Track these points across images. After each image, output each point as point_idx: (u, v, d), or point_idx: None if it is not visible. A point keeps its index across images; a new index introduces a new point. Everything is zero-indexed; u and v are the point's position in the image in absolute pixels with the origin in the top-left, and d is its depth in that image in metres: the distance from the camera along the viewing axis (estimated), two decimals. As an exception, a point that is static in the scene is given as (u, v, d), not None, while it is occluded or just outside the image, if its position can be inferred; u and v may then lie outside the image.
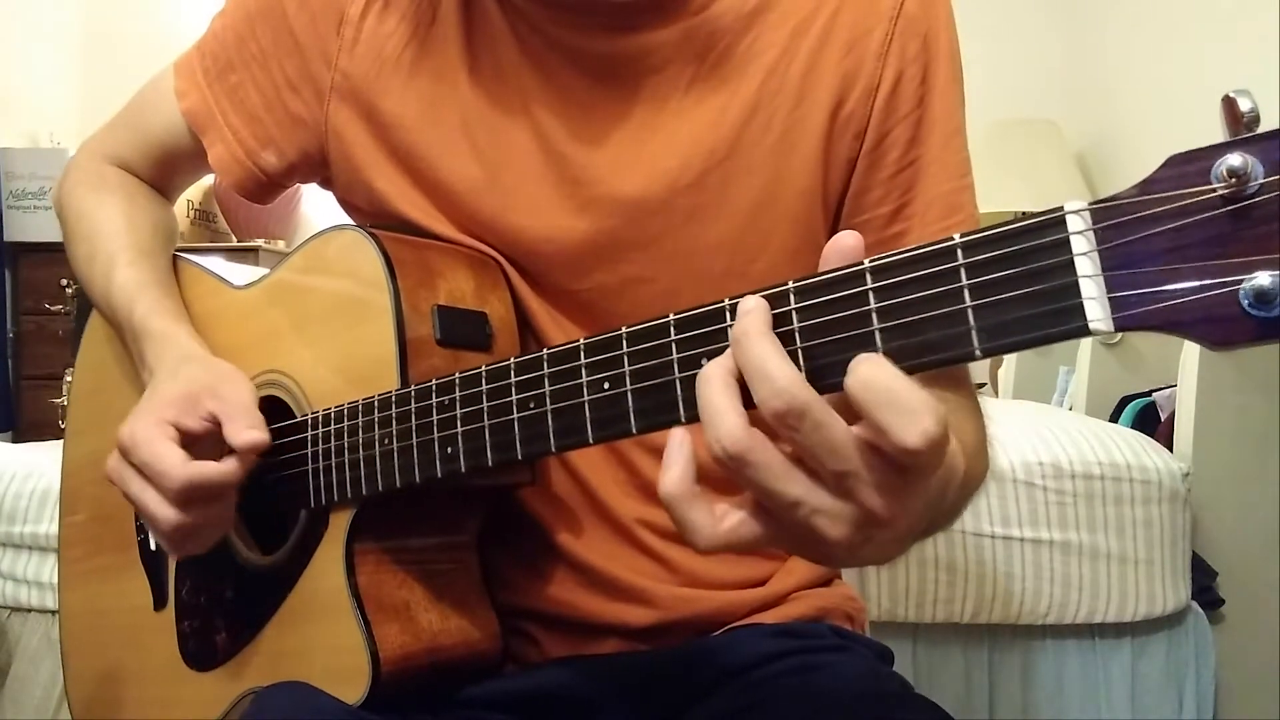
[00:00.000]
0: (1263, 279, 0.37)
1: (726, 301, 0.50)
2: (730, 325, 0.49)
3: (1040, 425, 1.56)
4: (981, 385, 2.41)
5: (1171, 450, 1.59)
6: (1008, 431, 1.53)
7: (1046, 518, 1.47)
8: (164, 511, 0.68)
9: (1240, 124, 0.38)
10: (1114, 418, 2.06)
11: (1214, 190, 0.38)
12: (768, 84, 0.72)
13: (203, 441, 0.70)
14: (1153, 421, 1.96)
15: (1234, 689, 1.55)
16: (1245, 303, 0.37)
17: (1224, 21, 2.38)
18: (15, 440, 2.86)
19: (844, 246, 0.47)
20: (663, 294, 0.73)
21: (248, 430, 0.69)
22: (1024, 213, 2.73)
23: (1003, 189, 2.81)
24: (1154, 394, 2.02)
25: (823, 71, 0.72)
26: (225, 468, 0.69)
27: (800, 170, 0.72)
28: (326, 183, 0.84)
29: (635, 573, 0.75)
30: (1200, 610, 1.53)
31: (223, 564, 0.78)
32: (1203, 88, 2.43)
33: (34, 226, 2.95)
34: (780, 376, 0.43)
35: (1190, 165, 0.39)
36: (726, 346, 0.49)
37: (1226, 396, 1.58)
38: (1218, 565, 1.58)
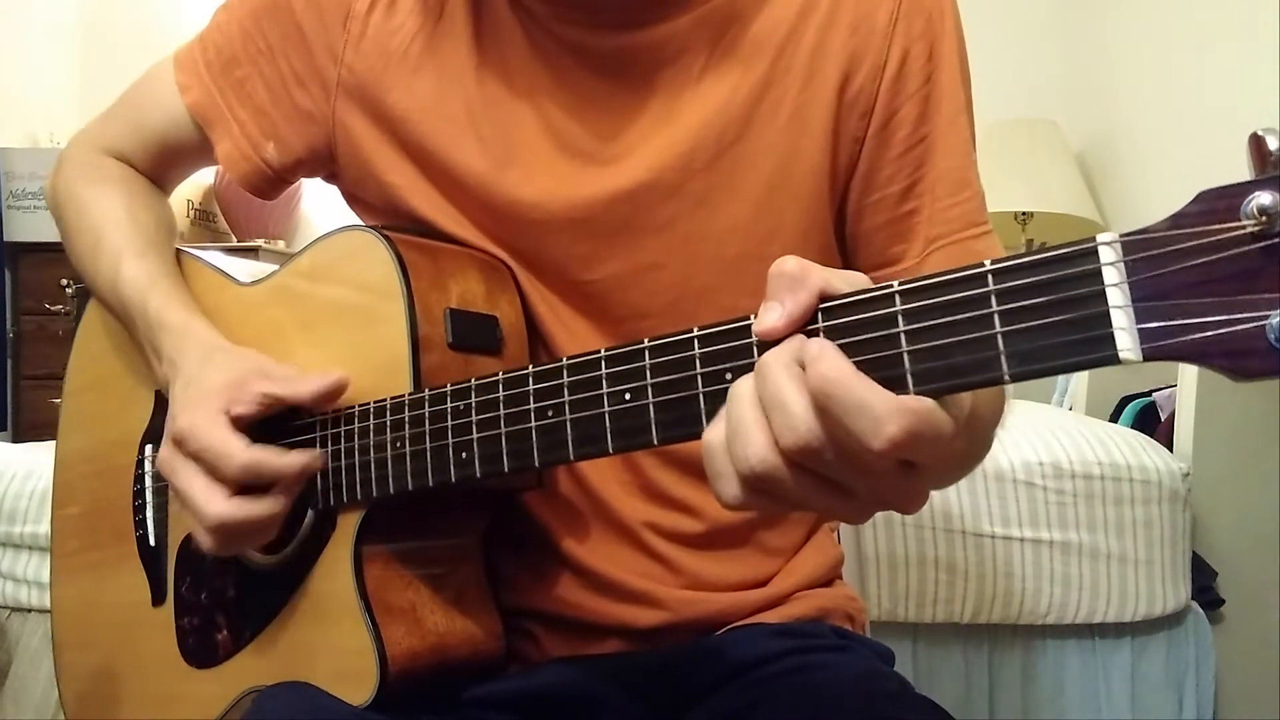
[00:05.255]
0: None
1: (753, 318, 0.50)
2: (756, 341, 0.50)
3: (1040, 425, 1.56)
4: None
5: (1171, 450, 1.59)
6: (1008, 431, 1.53)
7: (1046, 518, 1.47)
8: (211, 505, 0.67)
9: (1268, 162, 0.39)
10: (1114, 418, 2.06)
11: (1244, 227, 0.39)
12: (777, 65, 0.72)
13: (251, 425, 0.70)
14: (1153, 421, 1.96)
15: (1234, 689, 1.55)
16: (1272, 337, 0.38)
17: (1224, 21, 2.38)
18: (15, 440, 2.86)
19: (786, 272, 0.48)
20: (675, 281, 0.73)
21: (315, 380, 0.70)
22: (1023, 213, 2.70)
23: (1003, 189, 2.81)
24: (1154, 394, 2.02)
25: (830, 50, 0.72)
26: (289, 460, 0.68)
27: (811, 150, 0.72)
28: (332, 177, 0.84)
29: (638, 575, 0.75)
30: (1200, 610, 1.53)
31: (225, 561, 0.78)
32: (1203, 88, 2.43)
33: (34, 226, 2.95)
34: (796, 411, 0.45)
35: (1220, 201, 0.39)
36: (751, 362, 0.49)
37: (1226, 396, 1.58)
38: (1218, 565, 1.58)
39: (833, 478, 0.46)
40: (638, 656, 0.75)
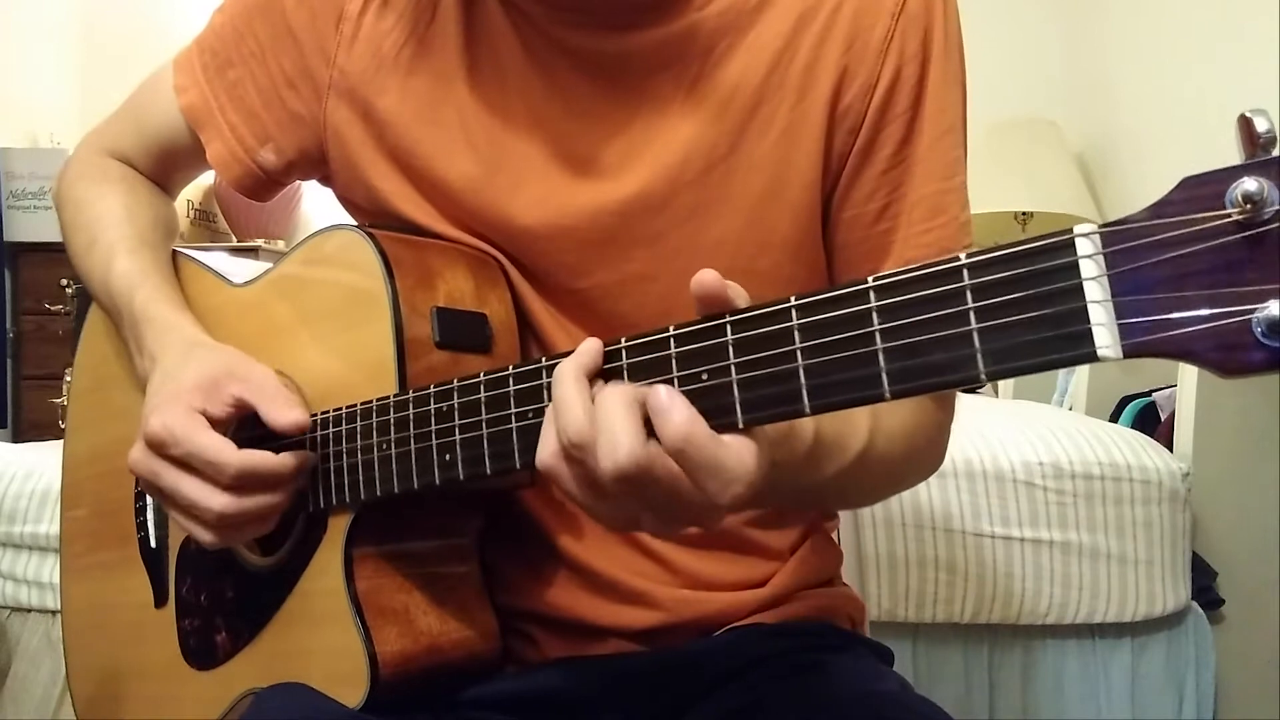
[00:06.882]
0: (1276, 309, 0.36)
1: (728, 318, 0.50)
2: (732, 339, 0.50)
3: (1040, 425, 1.56)
4: (981, 385, 2.42)
5: (1171, 450, 1.59)
6: (1008, 431, 1.53)
7: (1046, 518, 1.47)
8: (211, 499, 0.67)
9: (1256, 145, 0.37)
10: (1114, 418, 2.06)
11: (1228, 215, 0.37)
12: (770, 79, 0.71)
13: (225, 427, 0.70)
14: (1153, 421, 1.96)
15: (1234, 689, 1.55)
16: (1258, 332, 0.36)
17: (1224, 21, 2.38)
18: (15, 440, 2.86)
19: (705, 283, 0.51)
20: (664, 292, 0.73)
21: (289, 410, 0.69)
22: (1023, 213, 2.70)
23: (1003, 189, 2.81)
24: (1154, 394, 2.02)
25: (824, 65, 0.71)
26: (282, 462, 0.68)
27: (803, 165, 0.72)
28: (326, 180, 0.84)
29: (636, 574, 0.75)
30: (1200, 610, 1.53)
31: (223, 563, 0.78)
32: (1203, 88, 2.43)
33: (34, 226, 2.95)
34: (571, 417, 0.50)
35: (1204, 188, 0.38)
36: (726, 364, 0.49)
37: (1226, 396, 1.58)
38: (1218, 565, 1.58)
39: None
40: (636, 657, 0.75)
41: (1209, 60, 2.43)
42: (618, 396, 0.50)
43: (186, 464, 0.68)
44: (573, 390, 0.52)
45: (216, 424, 0.69)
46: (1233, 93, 2.26)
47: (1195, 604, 1.53)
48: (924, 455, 0.76)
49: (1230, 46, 2.34)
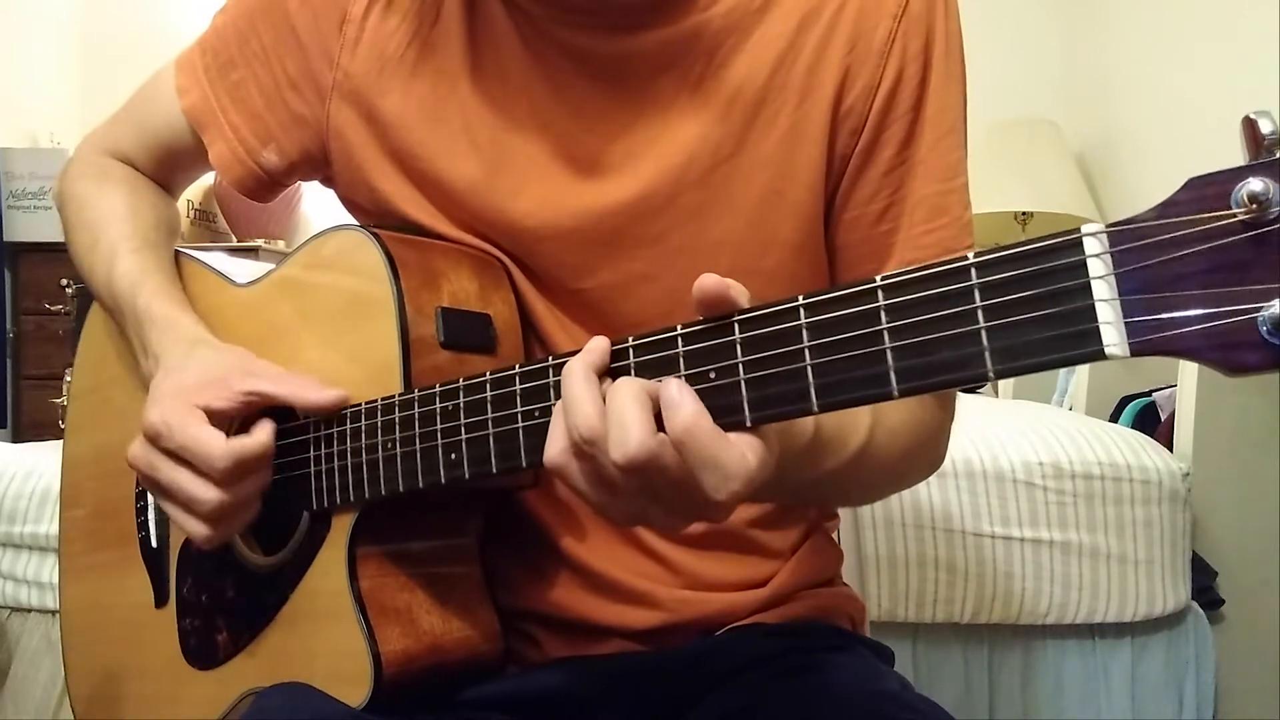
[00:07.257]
0: None
1: (736, 317, 0.51)
2: (740, 338, 0.50)
3: (1040, 425, 1.56)
4: (981, 385, 2.42)
5: (1171, 450, 1.59)
6: (1008, 431, 1.53)
7: (1046, 518, 1.47)
8: (205, 492, 0.68)
9: (1261, 147, 0.38)
10: (1114, 418, 2.06)
11: (1234, 215, 0.37)
12: (774, 79, 0.71)
13: (230, 422, 0.70)
14: (1153, 421, 1.96)
15: (1234, 689, 1.55)
16: (1264, 330, 0.37)
17: (1224, 21, 2.38)
18: (15, 440, 2.86)
19: (706, 287, 0.51)
20: (666, 293, 0.73)
21: (322, 391, 0.70)
22: (1023, 213, 2.70)
23: (1003, 189, 2.81)
24: (1154, 394, 2.02)
25: (827, 66, 0.71)
26: (262, 438, 0.69)
27: (806, 165, 0.72)
28: (328, 181, 0.84)
29: (637, 574, 0.75)
30: (1200, 610, 1.53)
31: (224, 563, 0.78)
32: (1203, 88, 2.43)
33: (34, 226, 2.96)
34: (581, 413, 0.51)
35: (1210, 188, 0.38)
36: (734, 363, 0.49)
37: (1226, 396, 1.58)
38: (1218, 565, 1.58)
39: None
40: (637, 657, 0.75)
41: (1209, 60, 2.43)
42: (628, 390, 0.51)
43: (180, 457, 0.68)
44: (582, 387, 0.52)
45: (220, 417, 0.70)
46: (1233, 93, 2.26)
47: (1195, 604, 1.53)
48: (924, 453, 0.76)
49: (1230, 46, 2.34)
